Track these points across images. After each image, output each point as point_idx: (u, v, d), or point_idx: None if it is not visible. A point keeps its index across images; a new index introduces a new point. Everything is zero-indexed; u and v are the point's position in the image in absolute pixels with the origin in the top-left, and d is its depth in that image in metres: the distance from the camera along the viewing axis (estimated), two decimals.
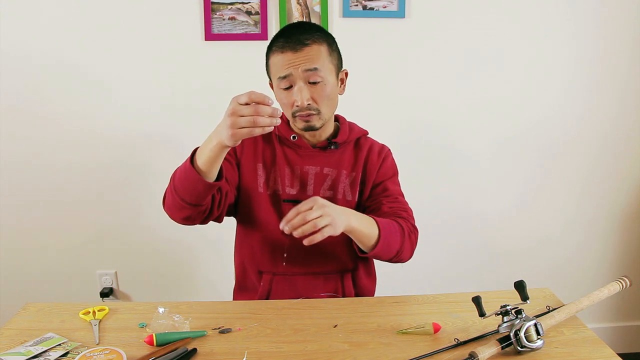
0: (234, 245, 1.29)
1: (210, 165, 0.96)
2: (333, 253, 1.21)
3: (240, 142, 0.92)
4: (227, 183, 1.13)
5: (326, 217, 0.93)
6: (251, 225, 1.21)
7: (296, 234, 0.92)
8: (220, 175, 1.01)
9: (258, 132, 0.88)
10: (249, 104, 0.86)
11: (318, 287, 1.20)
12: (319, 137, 1.21)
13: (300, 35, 1.09)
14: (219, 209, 1.10)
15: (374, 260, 1.30)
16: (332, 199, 1.18)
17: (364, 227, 1.03)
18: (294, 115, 1.13)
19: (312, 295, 1.17)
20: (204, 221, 1.10)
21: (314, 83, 1.10)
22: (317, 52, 1.09)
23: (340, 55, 1.18)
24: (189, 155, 1.00)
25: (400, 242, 1.08)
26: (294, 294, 1.17)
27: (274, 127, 1.20)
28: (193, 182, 0.98)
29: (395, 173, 1.26)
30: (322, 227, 0.92)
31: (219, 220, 1.15)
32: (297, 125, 1.15)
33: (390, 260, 1.12)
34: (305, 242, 0.93)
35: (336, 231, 0.95)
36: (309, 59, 1.08)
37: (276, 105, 0.93)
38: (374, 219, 1.05)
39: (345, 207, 1.05)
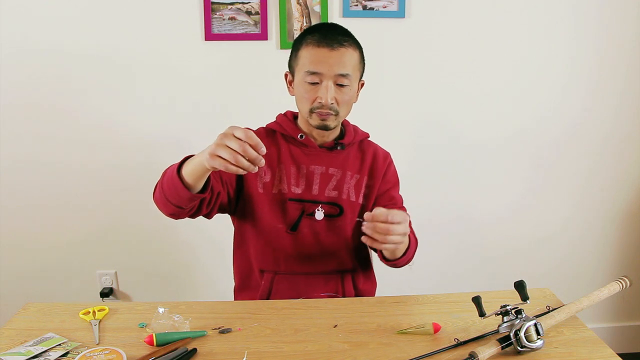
0: (233, 244, 1.29)
1: (194, 179, 0.96)
2: (333, 253, 1.21)
3: (218, 169, 0.88)
4: (221, 183, 1.13)
5: (400, 243, 0.95)
6: (254, 225, 1.21)
7: (368, 232, 0.92)
8: (205, 188, 1.01)
9: (232, 169, 0.85)
10: (240, 140, 0.84)
11: (318, 287, 1.20)
12: (327, 137, 1.21)
13: (339, 35, 1.11)
14: (208, 208, 1.11)
15: (373, 262, 1.31)
16: (337, 200, 1.19)
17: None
18: (312, 111, 1.13)
19: (312, 295, 1.17)
20: (192, 217, 1.11)
21: (341, 85, 1.12)
22: (351, 57, 1.12)
23: (364, 66, 1.20)
24: (181, 158, 0.99)
25: (413, 254, 1.16)
26: (294, 293, 1.17)
27: (279, 125, 1.22)
28: (177, 189, 0.98)
29: (397, 181, 1.29)
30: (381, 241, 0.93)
31: (208, 216, 1.16)
32: (312, 121, 1.15)
33: (396, 267, 1.17)
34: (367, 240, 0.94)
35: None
36: (342, 61, 1.10)
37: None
38: (412, 236, 1.10)
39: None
